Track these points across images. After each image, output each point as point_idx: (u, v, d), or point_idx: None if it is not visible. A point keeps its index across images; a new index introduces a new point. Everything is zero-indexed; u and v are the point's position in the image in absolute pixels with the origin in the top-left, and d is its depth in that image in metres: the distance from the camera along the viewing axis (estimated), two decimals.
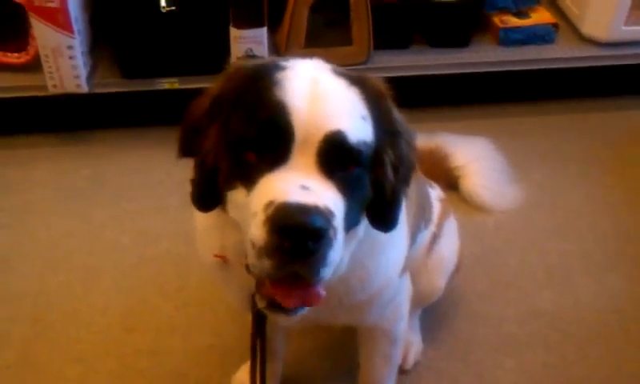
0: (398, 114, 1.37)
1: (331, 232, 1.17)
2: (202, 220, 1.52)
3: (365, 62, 3.06)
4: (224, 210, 1.33)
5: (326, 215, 1.16)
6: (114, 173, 2.99)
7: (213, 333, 2.34)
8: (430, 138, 2.79)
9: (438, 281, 2.17)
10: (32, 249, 2.64)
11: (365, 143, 1.25)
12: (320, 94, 1.23)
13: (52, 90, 2.91)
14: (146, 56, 3.02)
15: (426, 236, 2.07)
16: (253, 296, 1.48)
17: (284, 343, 2.11)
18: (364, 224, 1.39)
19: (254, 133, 1.22)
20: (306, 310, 1.31)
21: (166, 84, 3.01)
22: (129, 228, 2.72)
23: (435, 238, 2.12)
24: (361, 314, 1.68)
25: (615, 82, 3.56)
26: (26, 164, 3.02)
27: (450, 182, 2.77)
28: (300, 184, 1.17)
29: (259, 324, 1.62)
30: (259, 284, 1.30)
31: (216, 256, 1.49)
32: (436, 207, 2.14)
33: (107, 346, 2.31)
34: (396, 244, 1.59)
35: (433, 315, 2.39)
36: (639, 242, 2.78)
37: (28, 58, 2.94)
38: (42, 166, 3.01)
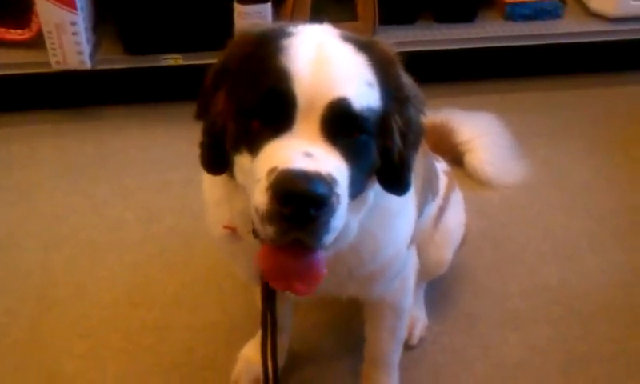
0: (407, 79, 1.35)
1: (334, 199, 1.16)
2: (211, 194, 1.53)
3: None
4: (231, 175, 1.33)
5: (328, 182, 1.15)
6: (117, 149, 2.99)
7: (219, 309, 2.34)
8: (436, 113, 2.79)
9: (445, 253, 2.18)
10: (37, 225, 2.63)
11: (371, 110, 1.24)
12: (325, 60, 1.22)
13: (55, 67, 2.92)
14: (149, 32, 3.03)
15: (433, 208, 2.08)
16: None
17: (291, 318, 2.11)
18: (373, 191, 1.38)
19: (258, 101, 1.21)
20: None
21: (170, 60, 3.03)
22: (133, 204, 2.72)
23: (442, 210, 2.14)
24: (369, 285, 1.68)
25: (623, 58, 3.55)
26: (29, 141, 3.02)
27: (456, 157, 2.79)
28: (303, 151, 1.17)
29: (269, 295, 1.62)
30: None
31: (225, 227, 1.48)
32: (442, 180, 2.14)
33: (114, 322, 2.31)
34: (405, 214, 1.58)
35: (437, 290, 2.39)
36: None
37: (31, 34, 2.97)
38: (46, 143, 3.01)
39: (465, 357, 2.26)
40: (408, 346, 2.22)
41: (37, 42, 2.97)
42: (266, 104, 1.20)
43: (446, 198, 2.14)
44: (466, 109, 2.90)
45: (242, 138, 1.24)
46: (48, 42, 2.84)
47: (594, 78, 3.51)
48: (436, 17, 3.33)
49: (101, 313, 2.34)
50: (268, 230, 1.18)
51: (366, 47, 1.29)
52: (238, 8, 2.85)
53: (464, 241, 2.28)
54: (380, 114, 1.27)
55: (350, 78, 1.23)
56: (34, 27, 2.91)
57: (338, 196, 1.17)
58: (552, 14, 3.41)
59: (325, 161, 1.17)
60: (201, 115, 1.36)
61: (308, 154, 1.16)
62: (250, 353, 2.12)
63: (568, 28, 3.41)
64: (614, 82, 3.51)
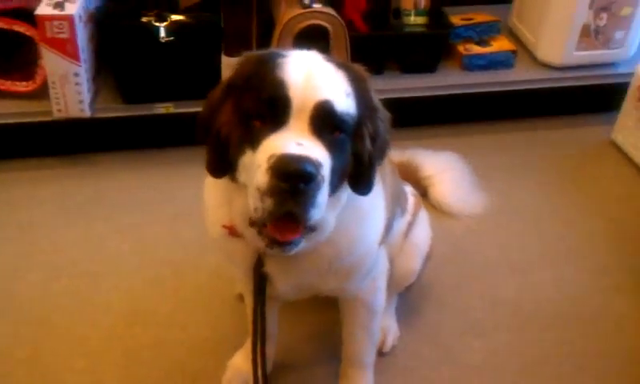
0: (375, 96, 1.62)
1: (319, 177, 1.42)
2: (212, 197, 1.77)
3: None
4: (232, 178, 1.58)
5: (315, 164, 1.41)
6: (113, 190, 3.10)
7: (208, 326, 2.49)
8: (403, 152, 3.00)
9: (414, 263, 2.37)
10: (37, 258, 2.74)
11: (348, 114, 1.51)
12: (313, 73, 1.49)
13: (57, 115, 3.02)
14: (145, 82, 3.15)
15: (402, 223, 2.29)
16: (255, 263, 1.75)
17: (277, 327, 2.27)
18: (346, 192, 1.64)
19: (260, 105, 1.47)
20: (301, 246, 1.54)
21: (162, 108, 3.16)
22: (128, 238, 2.85)
23: (410, 225, 2.34)
24: (346, 279, 1.87)
25: (569, 102, 3.71)
26: (30, 184, 3.11)
27: (421, 190, 2.95)
28: (296, 141, 1.43)
29: (260, 286, 1.81)
30: (261, 228, 1.53)
31: (224, 227, 1.72)
32: (410, 200, 2.37)
33: (112, 341, 2.42)
34: (376, 215, 1.83)
35: (407, 305, 2.57)
36: (589, 239, 2.96)
37: (35, 86, 3.07)
38: (46, 186, 3.10)
39: (432, 361, 2.42)
40: (381, 353, 2.38)
41: (38, 93, 3.08)
42: (267, 107, 1.47)
43: (414, 215, 2.37)
44: (430, 149, 3.09)
45: (246, 138, 1.50)
46: (52, 92, 2.97)
47: (544, 120, 3.66)
48: (401, 68, 3.49)
49: (99, 333, 2.45)
50: (267, 203, 1.43)
51: (344, 67, 1.56)
52: (226, 60, 3.06)
53: (429, 255, 2.45)
54: (355, 119, 1.53)
55: (333, 87, 1.50)
56: (38, 79, 3.03)
57: (322, 176, 1.43)
58: (504, 64, 3.57)
59: (312, 149, 1.44)
60: (205, 130, 1.61)
61: (299, 144, 1.43)
62: (239, 360, 2.28)
63: (519, 76, 3.56)
64: (562, 124, 3.67)
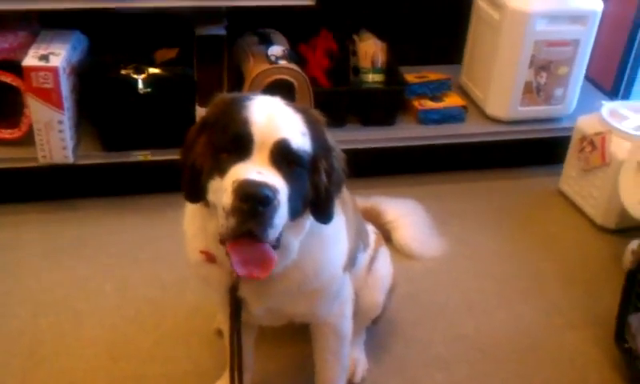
0: (330, 137, 1.84)
1: (276, 202, 1.61)
2: (190, 225, 1.96)
3: None
4: (206, 205, 1.77)
5: (272, 189, 1.61)
6: (94, 234, 3.21)
7: (188, 360, 2.61)
8: (367, 199, 3.17)
9: (377, 295, 2.52)
10: (24, 296, 2.84)
11: (304, 151, 1.71)
12: (274, 115, 1.70)
13: (42, 161, 3.11)
14: (124, 131, 3.26)
15: (364, 258, 2.45)
16: (230, 287, 1.92)
17: (253, 358, 2.41)
18: (309, 220, 1.84)
19: (228, 139, 1.68)
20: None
21: (140, 156, 3.26)
22: (110, 278, 2.96)
23: (372, 260, 2.51)
24: (314, 302, 2.05)
25: (518, 154, 3.91)
26: (15, 227, 3.20)
27: (385, 234, 3.04)
28: (257, 170, 1.64)
29: (237, 309, 1.97)
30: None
31: (201, 252, 1.90)
32: (372, 236, 2.55)
33: (96, 373, 2.54)
34: (339, 242, 2.03)
35: (374, 341, 2.71)
36: (542, 281, 3.14)
37: (20, 133, 3.19)
38: (31, 229, 3.20)
39: None
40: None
41: (24, 141, 3.18)
42: (234, 141, 1.67)
43: (376, 250, 2.54)
44: (390, 197, 3.26)
45: (215, 167, 1.70)
46: (37, 139, 3.08)
47: (495, 172, 3.89)
48: (362, 121, 3.65)
49: (85, 366, 2.56)
50: (230, 222, 1.62)
51: (301, 111, 1.77)
52: (200, 110, 3.17)
53: (392, 289, 2.59)
54: (311, 155, 1.74)
55: (290, 127, 1.71)
56: (23, 127, 3.16)
57: (278, 200, 1.63)
58: (456, 118, 3.73)
59: (270, 177, 1.64)
60: (184, 158, 1.81)
61: (260, 172, 1.63)
62: None
63: (470, 130, 3.72)
64: (512, 176, 3.89)
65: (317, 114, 1.84)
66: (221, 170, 1.68)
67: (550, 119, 3.85)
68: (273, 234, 1.65)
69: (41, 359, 2.59)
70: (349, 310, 2.23)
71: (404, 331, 2.83)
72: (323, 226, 1.87)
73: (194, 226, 1.94)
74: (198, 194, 1.79)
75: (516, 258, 3.31)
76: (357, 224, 2.30)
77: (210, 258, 1.89)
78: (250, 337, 2.34)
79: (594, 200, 3.53)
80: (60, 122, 3.10)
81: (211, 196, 1.72)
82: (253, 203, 1.59)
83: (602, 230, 3.51)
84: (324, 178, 1.79)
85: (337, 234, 2.00)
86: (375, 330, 2.74)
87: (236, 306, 1.97)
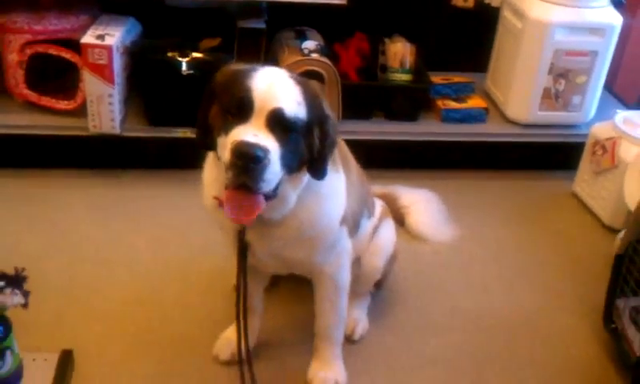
0: (327, 107, 2.01)
1: (266, 160, 1.81)
2: (207, 175, 2.20)
3: None
4: (217, 157, 2.00)
5: (263, 150, 1.81)
6: (134, 198, 3.47)
7: (205, 309, 2.81)
8: (385, 186, 3.35)
9: (378, 261, 2.70)
10: (65, 246, 3.10)
11: (298, 118, 1.88)
12: (274, 84, 1.88)
13: (92, 130, 3.40)
14: (167, 108, 3.49)
15: (369, 225, 2.63)
16: (238, 232, 2.16)
17: (262, 301, 2.60)
18: (306, 176, 2.06)
19: (232, 104, 1.92)
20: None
21: (180, 133, 3.50)
22: (144, 236, 3.22)
23: (376, 228, 2.70)
24: (312, 250, 2.23)
25: (534, 157, 4.00)
26: (64, 189, 3.49)
27: (398, 218, 3.23)
28: (253, 133, 1.83)
29: (242, 250, 2.18)
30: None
31: (215, 198, 2.14)
32: (378, 207, 2.77)
33: (124, 313, 2.76)
34: (335, 198, 2.23)
35: (376, 307, 2.89)
36: (545, 269, 3.27)
37: (75, 104, 3.45)
38: (77, 191, 3.47)
39: (394, 351, 2.72)
40: (352, 341, 2.71)
41: (77, 112, 3.48)
42: (237, 105, 1.91)
43: (380, 220, 2.75)
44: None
45: (222, 126, 1.94)
46: (89, 110, 3.35)
47: (511, 172, 3.99)
48: (387, 115, 3.82)
49: (114, 307, 2.79)
50: (229, 174, 1.84)
51: (302, 83, 1.93)
52: None
53: (394, 257, 2.80)
54: (305, 122, 1.91)
55: (287, 97, 1.88)
56: (79, 100, 3.43)
57: (269, 160, 1.82)
58: (477, 118, 3.89)
59: (264, 139, 1.83)
60: (201, 117, 2.08)
61: (255, 135, 1.83)
62: (230, 333, 2.57)
63: (490, 130, 3.87)
64: (528, 177, 3.99)
65: (317, 86, 2.02)
66: (226, 130, 1.88)
67: (567, 125, 3.98)
68: (265, 186, 1.86)
69: (74, 299, 2.83)
70: (346, 261, 2.39)
71: (405, 300, 3.00)
72: (320, 183, 2.10)
73: (210, 176, 2.19)
74: (207, 145, 2.07)
75: (523, 249, 3.43)
76: (361, 192, 2.50)
77: (221, 203, 2.10)
78: (259, 284, 2.57)
79: (603, 201, 3.65)
80: (110, 96, 3.36)
81: (219, 150, 1.97)
82: (245, 161, 1.80)
83: (609, 229, 3.62)
84: (317, 142, 1.97)
85: (334, 192, 2.21)
86: (378, 297, 2.94)
87: (242, 248, 2.21)
